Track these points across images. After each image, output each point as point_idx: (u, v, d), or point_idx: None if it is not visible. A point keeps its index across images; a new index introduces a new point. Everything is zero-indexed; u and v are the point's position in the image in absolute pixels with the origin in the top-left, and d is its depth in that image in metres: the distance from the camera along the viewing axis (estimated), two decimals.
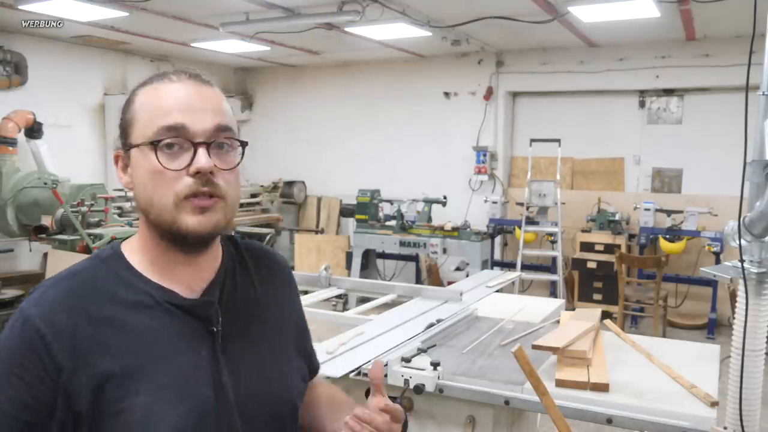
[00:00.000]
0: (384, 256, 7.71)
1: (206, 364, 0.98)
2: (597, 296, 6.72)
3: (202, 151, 0.95)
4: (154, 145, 0.94)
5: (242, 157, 1.02)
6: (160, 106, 0.96)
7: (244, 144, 1.02)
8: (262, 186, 8.58)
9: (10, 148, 6.13)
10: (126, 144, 0.99)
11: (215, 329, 1.00)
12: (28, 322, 0.91)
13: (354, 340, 2.36)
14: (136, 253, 1.02)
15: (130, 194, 6.47)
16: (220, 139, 0.97)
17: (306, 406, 1.16)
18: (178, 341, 0.97)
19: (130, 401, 0.90)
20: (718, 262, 6.02)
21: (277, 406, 1.05)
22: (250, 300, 1.09)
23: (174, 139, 0.94)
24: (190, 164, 0.94)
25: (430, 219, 7.02)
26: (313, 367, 1.25)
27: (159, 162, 0.94)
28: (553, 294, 6.68)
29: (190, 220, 0.95)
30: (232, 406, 0.98)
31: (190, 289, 1.01)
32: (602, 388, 1.96)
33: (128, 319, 0.94)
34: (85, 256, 4.80)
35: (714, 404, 1.87)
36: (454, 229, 6.66)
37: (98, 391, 0.90)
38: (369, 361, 2.10)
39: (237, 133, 1.02)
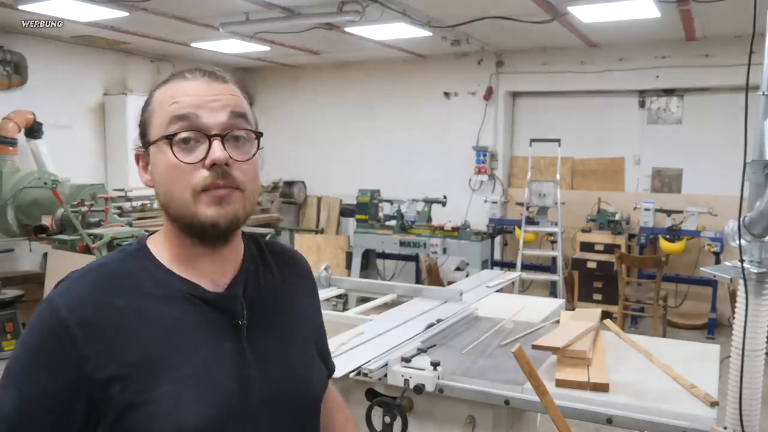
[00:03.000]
0: (384, 256, 7.71)
1: (231, 356, 0.98)
2: (597, 296, 6.72)
3: (216, 144, 0.95)
4: (170, 138, 0.95)
5: (258, 148, 1.02)
6: (172, 102, 0.97)
7: (259, 135, 1.02)
8: (262, 186, 8.56)
9: (10, 148, 6.14)
10: (145, 142, 1.01)
11: (240, 322, 1.01)
12: (54, 311, 0.92)
13: (354, 340, 2.36)
14: (161, 247, 1.03)
15: (131, 194, 6.52)
16: (234, 131, 0.98)
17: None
18: (202, 334, 0.98)
19: (156, 392, 0.91)
20: (718, 262, 6.02)
21: (300, 400, 1.08)
22: (273, 294, 1.10)
23: (189, 132, 0.95)
24: (205, 157, 0.95)
25: (430, 219, 7.02)
26: (329, 367, 1.26)
27: (174, 156, 0.95)
28: (553, 294, 6.68)
29: (209, 212, 0.95)
30: (257, 398, 0.99)
31: (214, 283, 1.02)
32: (602, 388, 1.96)
33: (153, 311, 0.95)
34: (85, 256, 4.82)
35: (714, 404, 1.87)
36: (454, 229, 6.66)
37: (124, 381, 0.90)
38: (369, 361, 2.10)
39: (254, 125, 1.03)
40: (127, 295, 0.95)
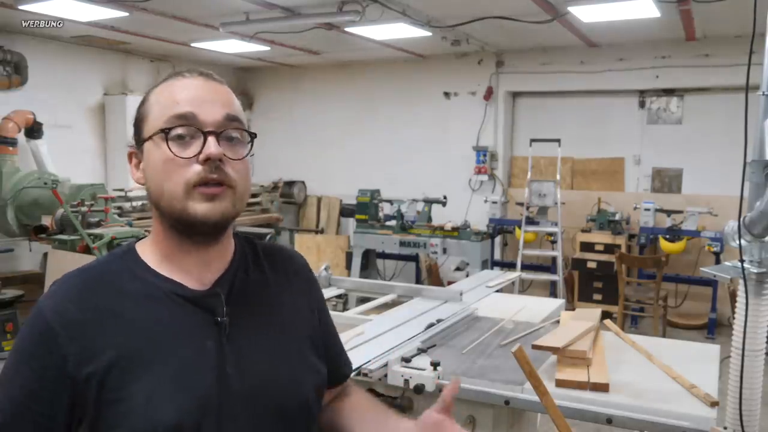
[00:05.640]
0: (384, 256, 7.71)
1: (211, 355, 0.99)
2: (597, 296, 6.72)
3: (212, 140, 0.98)
4: (166, 133, 0.97)
5: (251, 149, 1.05)
6: (171, 98, 1.00)
7: (253, 136, 1.05)
8: (262, 186, 8.58)
9: (10, 148, 6.14)
10: (139, 140, 1.03)
11: (219, 319, 1.01)
12: (41, 313, 0.95)
13: (354, 340, 2.36)
14: (149, 249, 1.05)
15: (131, 194, 6.53)
16: (229, 130, 1.01)
17: (333, 411, 1.21)
18: (183, 332, 0.99)
19: (132, 388, 0.93)
20: (718, 262, 6.02)
21: (285, 401, 1.04)
22: (262, 294, 1.10)
23: (184, 128, 0.98)
24: (200, 152, 0.97)
25: (430, 219, 7.02)
26: (340, 372, 1.25)
27: (170, 150, 0.97)
28: (553, 294, 6.68)
29: (199, 207, 0.97)
30: (236, 396, 0.99)
31: (200, 281, 1.03)
32: (602, 388, 1.96)
33: (133, 310, 0.97)
34: (85, 256, 4.82)
35: (714, 404, 1.87)
36: (454, 229, 6.66)
37: (101, 379, 0.92)
38: (369, 361, 2.10)
39: (247, 127, 1.06)
40: (109, 295, 0.98)
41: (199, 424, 0.94)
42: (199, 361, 0.97)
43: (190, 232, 1.00)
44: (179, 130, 0.97)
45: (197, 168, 0.96)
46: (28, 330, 0.96)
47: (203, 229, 0.99)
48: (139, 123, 1.03)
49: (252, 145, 1.05)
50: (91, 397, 0.92)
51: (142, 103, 1.04)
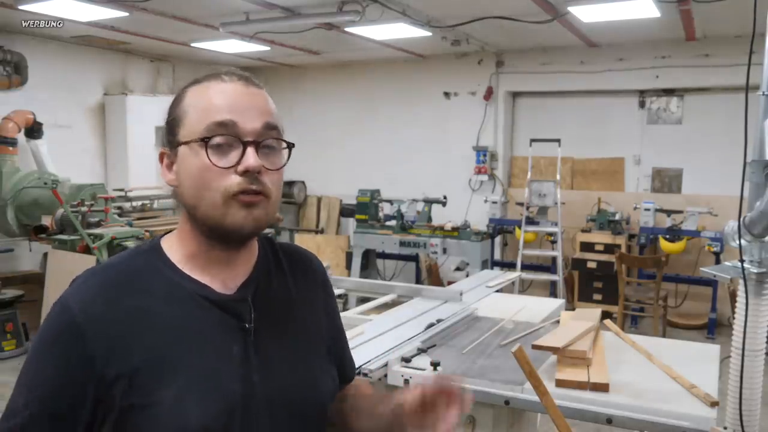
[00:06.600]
0: (384, 256, 7.71)
1: (237, 360, 0.98)
2: (597, 296, 6.71)
3: (251, 151, 0.96)
4: (205, 141, 0.95)
5: (288, 159, 1.04)
6: (210, 104, 0.98)
7: (291, 145, 1.04)
8: None
9: (10, 148, 6.14)
10: (174, 141, 1.00)
11: (247, 326, 1.01)
12: (66, 310, 0.94)
13: (354, 340, 2.36)
14: (174, 248, 1.04)
15: (131, 194, 6.52)
16: (268, 139, 1.00)
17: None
18: (209, 336, 0.98)
19: (160, 393, 0.92)
20: (718, 262, 6.02)
21: (305, 405, 1.06)
22: (284, 299, 1.10)
23: (224, 137, 0.96)
24: (238, 162, 0.96)
25: (430, 219, 7.02)
26: (345, 374, 1.24)
27: (209, 159, 0.95)
28: (553, 294, 6.68)
29: (238, 216, 0.96)
30: (260, 402, 0.99)
31: (225, 285, 1.02)
32: (602, 388, 1.96)
33: (161, 311, 0.96)
34: (85, 256, 4.82)
35: (714, 404, 1.87)
36: (454, 229, 6.66)
37: (129, 381, 0.91)
38: (369, 361, 2.10)
39: (283, 134, 1.05)
40: (135, 294, 0.96)
41: (225, 430, 0.95)
42: (225, 367, 0.97)
43: (224, 239, 1.00)
44: (219, 140, 0.96)
45: (236, 178, 0.95)
46: (53, 326, 0.95)
47: (237, 236, 0.99)
48: (173, 125, 1.01)
49: (290, 154, 1.04)
50: (117, 398, 0.91)
51: (177, 103, 1.01)
